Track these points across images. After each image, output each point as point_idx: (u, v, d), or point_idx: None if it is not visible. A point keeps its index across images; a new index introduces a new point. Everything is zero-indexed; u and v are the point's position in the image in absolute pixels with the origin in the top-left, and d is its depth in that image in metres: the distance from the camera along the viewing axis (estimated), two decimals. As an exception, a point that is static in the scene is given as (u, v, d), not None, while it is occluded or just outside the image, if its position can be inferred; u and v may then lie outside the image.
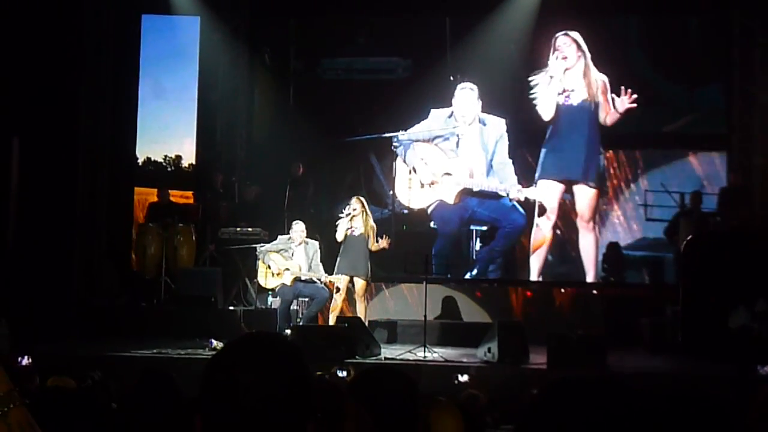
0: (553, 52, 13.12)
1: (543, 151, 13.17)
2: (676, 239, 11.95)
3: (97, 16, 12.76)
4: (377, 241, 10.95)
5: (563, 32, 13.13)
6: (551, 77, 13.07)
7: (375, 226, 11.14)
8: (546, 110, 13.14)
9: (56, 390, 4.70)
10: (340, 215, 11.06)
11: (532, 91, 13.13)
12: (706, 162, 13.21)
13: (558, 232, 13.20)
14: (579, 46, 13.08)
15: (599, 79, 13.04)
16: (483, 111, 13.14)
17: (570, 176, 13.03)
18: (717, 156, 13.18)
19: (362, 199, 11.14)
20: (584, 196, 13.07)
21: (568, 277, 13.24)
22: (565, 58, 13.07)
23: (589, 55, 13.07)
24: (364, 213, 10.96)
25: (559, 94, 13.08)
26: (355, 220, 10.91)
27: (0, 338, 9.39)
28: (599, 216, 13.17)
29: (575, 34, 13.11)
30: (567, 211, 13.16)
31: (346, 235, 10.92)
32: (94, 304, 12.12)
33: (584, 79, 13.05)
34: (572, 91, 13.07)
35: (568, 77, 13.11)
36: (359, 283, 10.95)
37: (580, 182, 13.03)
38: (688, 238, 10.14)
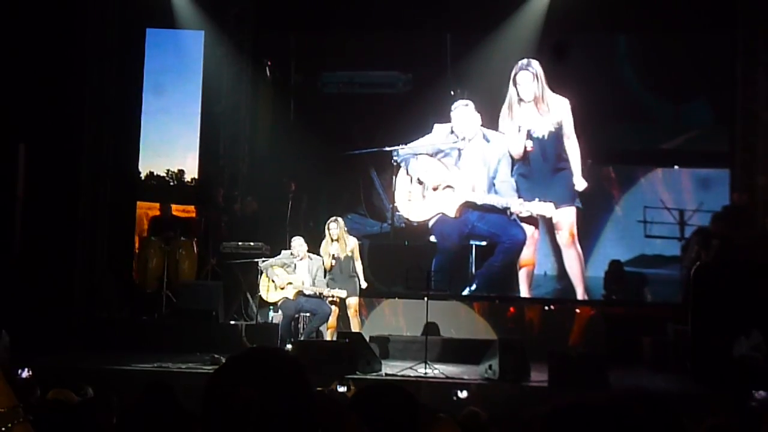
0: (514, 86, 13.15)
1: (513, 179, 13.14)
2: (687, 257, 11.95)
3: (102, 29, 12.79)
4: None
5: (523, 66, 13.14)
6: (519, 126, 13.10)
7: (357, 241, 11.32)
8: (516, 150, 13.15)
9: (57, 403, 4.69)
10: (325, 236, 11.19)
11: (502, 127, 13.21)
12: (705, 179, 13.21)
13: (545, 248, 13.19)
14: (537, 79, 13.09)
15: (559, 102, 13.06)
16: (485, 126, 13.14)
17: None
18: (718, 173, 13.17)
19: (339, 220, 11.25)
20: (561, 215, 13.02)
21: (564, 294, 13.20)
22: (523, 94, 13.11)
23: (544, 85, 13.08)
24: (344, 235, 11.07)
25: (521, 129, 13.14)
26: (333, 245, 11.02)
27: (0, 350, 9.38)
28: (589, 232, 13.15)
29: (534, 68, 13.11)
30: (550, 228, 13.14)
31: (333, 258, 11.01)
32: (94, 317, 12.11)
33: (543, 107, 13.07)
34: (533, 121, 13.11)
35: (527, 110, 13.14)
36: (352, 301, 11.07)
37: (554, 206, 12.97)
38: (697, 265, 10.07)
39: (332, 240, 11.06)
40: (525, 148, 13.10)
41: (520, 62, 13.17)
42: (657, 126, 13.51)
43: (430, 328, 12.07)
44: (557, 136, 13.07)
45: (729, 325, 9.41)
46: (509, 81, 13.19)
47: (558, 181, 13.08)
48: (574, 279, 13.03)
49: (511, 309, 13.22)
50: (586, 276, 13.02)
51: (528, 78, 13.12)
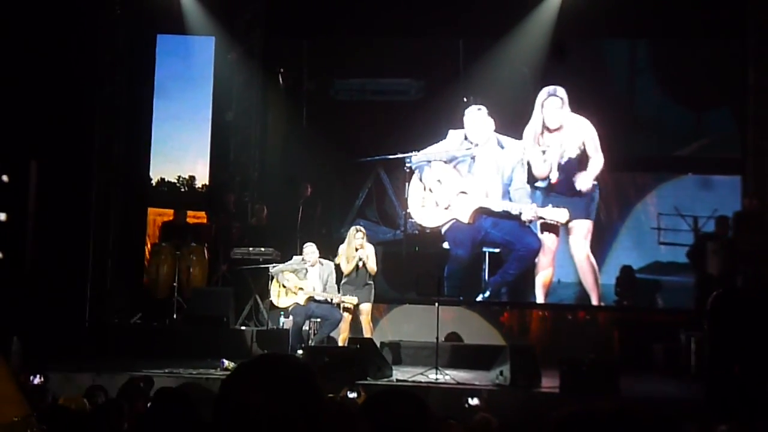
0: (540, 113, 13.13)
1: (529, 187, 13.13)
2: (700, 263, 11.90)
3: (112, 36, 12.84)
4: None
5: (551, 93, 13.12)
6: (543, 152, 13.10)
7: (373, 248, 11.24)
8: (541, 173, 13.15)
9: (68, 410, 4.70)
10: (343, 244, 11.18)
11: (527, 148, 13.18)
12: (719, 186, 13.18)
13: (564, 255, 13.17)
14: (563, 104, 13.08)
15: (581, 124, 13.06)
16: (498, 131, 13.14)
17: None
18: (731, 180, 13.14)
19: (362, 228, 11.21)
20: (577, 228, 13.04)
21: (579, 300, 13.19)
22: (550, 122, 13.10)
23: (568, 108, 13.09)
24: (364, 243, 11.04)
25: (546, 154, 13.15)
26: (360, 251, 10.98)
27: (13, 356, 9.40)
28: (604, 241, 13.14)
29: (560, 95, 13.11)
30: (568, 236, 13.12)
31: (357, 266, 10.97)
32: (106, 323, 12.13)
33: (568, 132, 13.08)
34: (558, 147, 13.11)
35: (553, 136, 13.15)
36: (365, 307, 11.03)
37: (573, 219, 12.96)
38: (715, 294, 9.92)
39: (357, 248, 10.97)
40: (548, 171, 13.09)
41: (546, 89, 13.15)
42: (673, 134, 13.46)
43: (451, 336, 12.13)
44: (580, 158, 13.06)
45: (753, 358, 9.16)
46: (535, 105, 13.18)
47: (578, 198, 13.07)
48: (589, 288, 13.02)
49: (505, 314, 13.21)
50: (600, 284, 12.99)
51: (557, 104, 13.08)
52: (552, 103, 13.13)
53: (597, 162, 13.06)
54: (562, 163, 13.10)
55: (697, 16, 13.04)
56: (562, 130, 13.12)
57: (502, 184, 13.09)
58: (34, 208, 11.62)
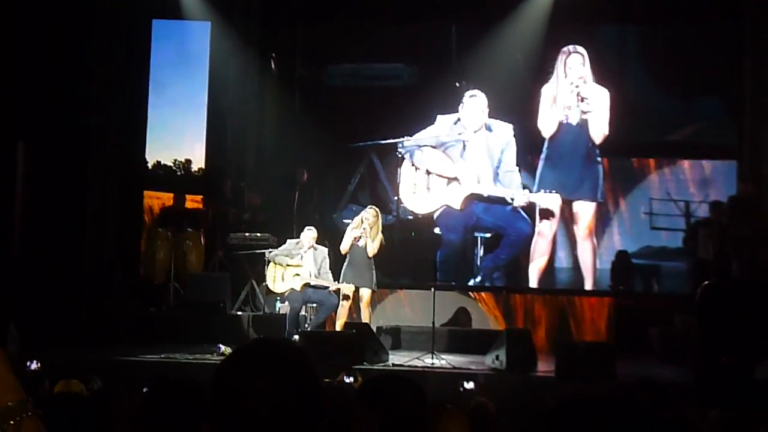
0: (564, 69, 13.06)
1: (540, 165, 13.13)
2: (693, 248, 11.93)
3: (108, 20, 12.78)
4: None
5: (573, 50, 13.07)
6: (554, 97, 13.05)
7: (382, 237, 11.12)
8: (547, 127, 13.11)
9: (66, 396, 4.70)
10: (345, 221, 11.10)
11: (540, 104, 13.11)
12: (712, 171, 13.19)
13: (558, 240, 13.18)
14: (585, 63, 13.04)
15: (599, 93, 13.03)
16: (489, 116, 13.12)
17: (568, 193, 12.89)
18: (724, 165, 13.15)
19: (377, 209, 11.14)
20: (582, 208, 13.06)
21: (572, 285, 13.21)
22: (581, 78, 13.00)
23: (590, 71, 13.07)
24: (377, 225, 10.95)
25: (561, 111, 13.08)
26: (369, 231, 10.88)
27: (10, 343, 9.40)
28: (599, 225, 13.15)
29: (584, 51, 13.08)
30: (566, 220, 13.14)
31: (351, 245, 10.92)
32: (102, 310, 12.13)
33: (586, 95, 13.03)
34: (572, 108, 13.06)
35: (571, 95, 13.10)
36: (365, 292, 10.95)
37: (578, 198, 12.99)
38: (705, 284, 9.91)
39: (369, 229, 10.88)
40: (556, 129, 13.05)
41: (567, 47, 13.09)
42: (665, 119, 13.44)
43: (460, 316, 12.12)
44: (592, 125, 13.02)
45: (742, 350, 9.16)
46: (555, 68, 13.12)
47: (588, 175, 13.04)
48: (586, 271, 13.03)
49: (501, 299, 13.18)
50: (597, 268, 13.01)
51: (578, 61, 13.02)
52: (575, 60, 13.05)
53: (602, 133, 13.02)
54: (575, 125, 13.05)
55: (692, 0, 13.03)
56: (581, 90, 13.04)
57: (492, 167, 13.06)
58: (23, 191, 11.59)
